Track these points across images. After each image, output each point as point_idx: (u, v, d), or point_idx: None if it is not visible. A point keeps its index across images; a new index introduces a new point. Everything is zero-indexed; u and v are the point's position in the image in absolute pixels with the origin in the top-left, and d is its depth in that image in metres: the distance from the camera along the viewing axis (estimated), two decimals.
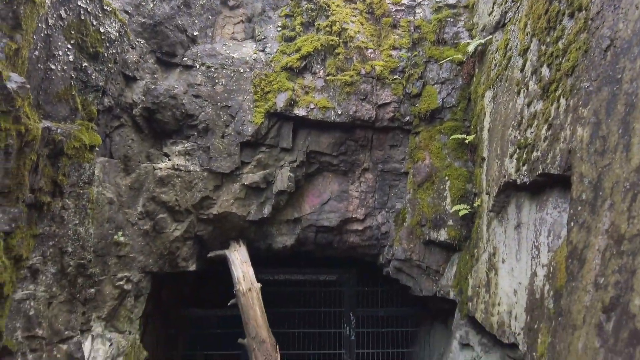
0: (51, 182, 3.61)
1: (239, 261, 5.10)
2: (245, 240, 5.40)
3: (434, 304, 5.56)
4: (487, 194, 4.10)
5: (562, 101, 2.63)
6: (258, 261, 5.25)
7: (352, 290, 6.21)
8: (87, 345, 4.28)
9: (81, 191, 3.94)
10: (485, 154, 4.31)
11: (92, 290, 4.22)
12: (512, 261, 3.43)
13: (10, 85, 2.88)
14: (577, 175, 2.26)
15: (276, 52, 5.28)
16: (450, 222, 4.75)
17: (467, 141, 4.77)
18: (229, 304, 4.98)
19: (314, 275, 6.25)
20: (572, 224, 2.23)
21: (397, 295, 6.50)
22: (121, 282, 4.67)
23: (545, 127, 2.78)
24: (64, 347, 3.91)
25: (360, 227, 5.39)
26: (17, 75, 3.02)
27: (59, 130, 3.57)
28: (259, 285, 4.95)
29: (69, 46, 3.85)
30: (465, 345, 4.69)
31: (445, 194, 4.84)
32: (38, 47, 3.49)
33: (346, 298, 6.19)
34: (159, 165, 5.00)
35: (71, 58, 3.89)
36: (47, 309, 3.71)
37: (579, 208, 2.18)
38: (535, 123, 2.96)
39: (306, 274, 6.26)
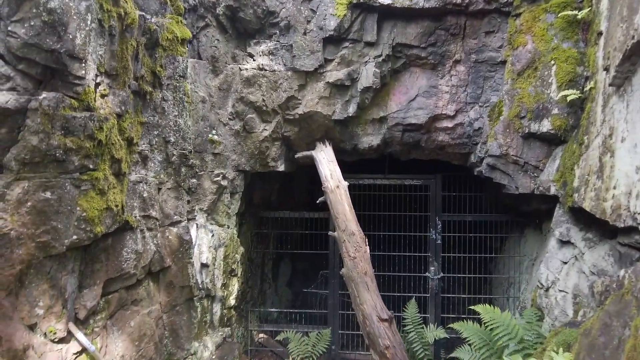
0: (151, 73, 3.77)
1: (326, 160, 5.14)
2: (330, 141, 5.40)
3: (529, 204, 5.27)
4: (604, 69, 3.61)
5: None
6: (344, 168, 5.23)
7: (438, 195, 6.07)
8: (193, 233, 4.67)
9: (177, 84, 4.10)
10: (603, 27, 3.75)
11: (194, 180, 4.52)
12: (636, 136, 3.05)
13: None
14: None
15: None
16: (555, 111, 4.32)
17: (579, 17, 4.17)
18: (317, 201, 5.11)
19: (399, 180, 6.18)
20: None
21: (484, 201, 6.26)
22: (218, 178, 4.95)
23: None
24: (174, 229, 4.30)
25: (450, 124, 5.12)
26: None
27: (153, 20, 3.66)
28: (346, 183, 4.98)
29: None
30: (565, 243, 4.43)
31: (550, 81, 4.36)
32: None
33: (432, 203, 6.08)
34: (245, 66, 5.04)
35: None
36: (158, 194, 4.06)
37: None
38: None
39: (391, 179, 6.20)
